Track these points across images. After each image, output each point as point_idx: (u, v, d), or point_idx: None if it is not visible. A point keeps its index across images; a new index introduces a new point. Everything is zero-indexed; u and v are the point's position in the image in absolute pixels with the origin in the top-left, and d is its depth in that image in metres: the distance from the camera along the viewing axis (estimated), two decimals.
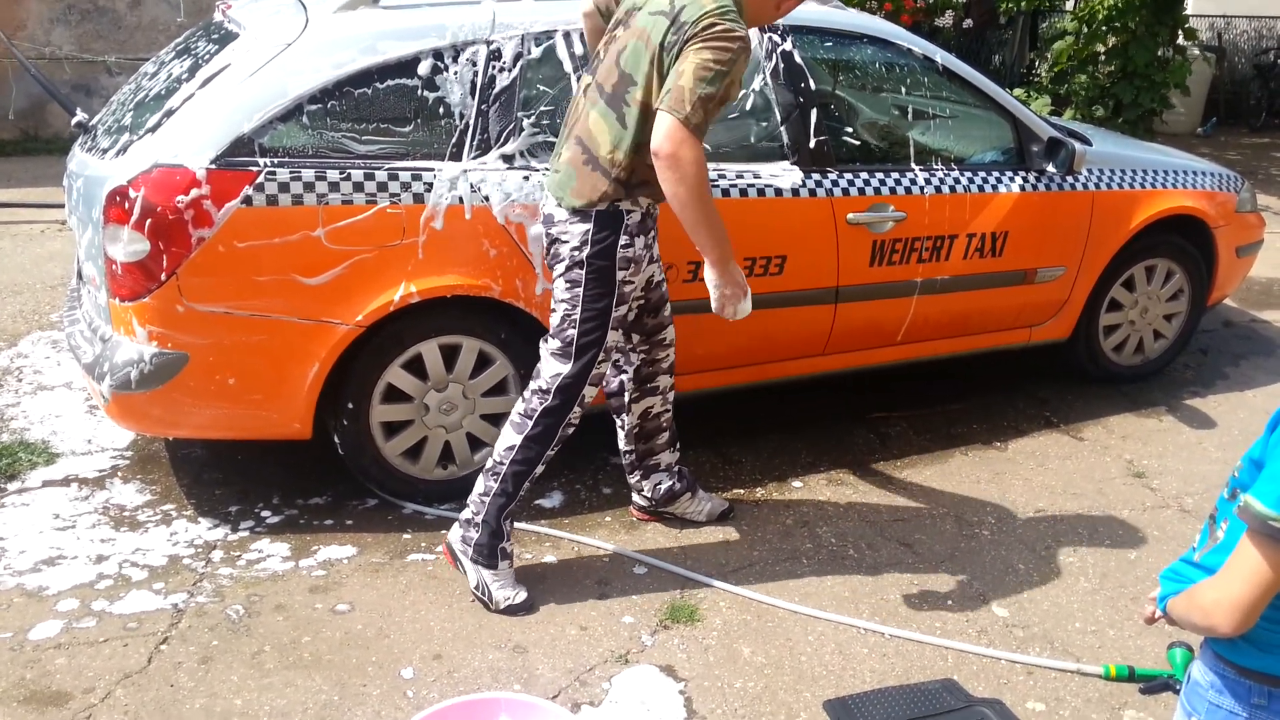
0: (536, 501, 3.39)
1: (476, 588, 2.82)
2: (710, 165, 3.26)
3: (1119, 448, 4.04)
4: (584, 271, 2.69)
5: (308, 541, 3.13)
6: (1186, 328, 4.61)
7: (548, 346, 2.80)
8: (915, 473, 3.75)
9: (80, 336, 3.23)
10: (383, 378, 3.13)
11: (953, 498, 3.59)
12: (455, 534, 2.88)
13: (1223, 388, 4.67)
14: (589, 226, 2.67)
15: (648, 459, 3.21)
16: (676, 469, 3.26)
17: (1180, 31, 9.04)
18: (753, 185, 3.38)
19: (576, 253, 2.69)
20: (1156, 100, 8.85)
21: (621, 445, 3.21)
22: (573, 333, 2.73)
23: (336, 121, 2.96)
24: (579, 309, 2.72)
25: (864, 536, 3.30)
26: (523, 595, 2.83)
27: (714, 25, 2.46)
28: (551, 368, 2.77)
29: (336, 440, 3.20)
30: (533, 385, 2.81)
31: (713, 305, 2.73)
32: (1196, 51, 10.40)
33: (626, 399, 3.12)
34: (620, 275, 2.71)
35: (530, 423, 2.77)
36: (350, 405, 3.11)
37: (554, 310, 2.78)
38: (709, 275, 2.69)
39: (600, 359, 2.78)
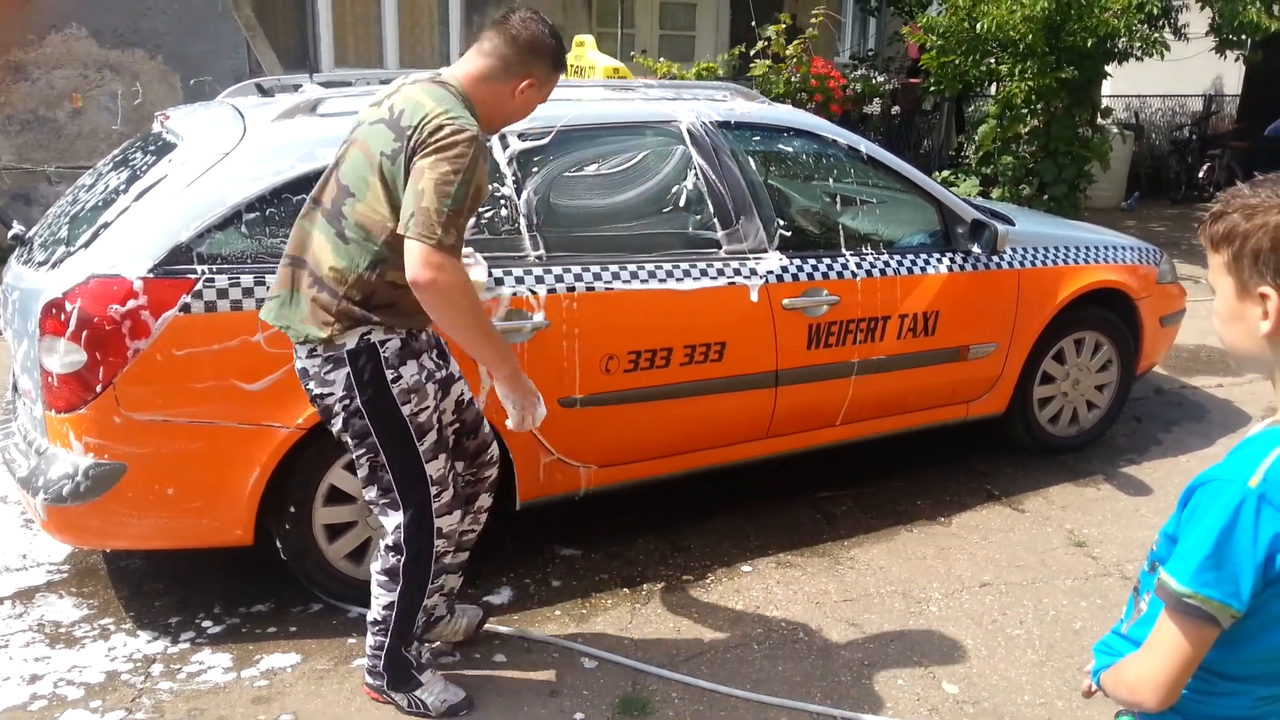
0: (485, 598, 3.36)
1: (410, 706, 2.73)
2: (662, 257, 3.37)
3: (1059, 517, 4.11)
4: (365, 420, 2.49)
5: (250, 651, 3.07)
6: (1118, 397, 4.74)
7: (371, 500, 2.63)
8: (863, 551, 3.78)
9: (15, 450, 3.18)
10: (325, 479, 3.11)
11: (900, 575, 3.62)
12: (367, 676, 2.77)
13: (1157, 454, 4.78)
14: (347, 371, 2.46)
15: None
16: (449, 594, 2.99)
17: (1098, 111, 9.45)
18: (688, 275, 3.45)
19: (347, 404, 2.48)
20: (1080, 176, 9.20)
21: None
22: (389, 478, 2.55)
23: (275, 228, 2.99)
24: (382, 456, 2.52)
25: (813, 619, 3.31)
26: (459, 694, 2.77)
27: (441, 129, 2.29)
28: (390, 521, 2.59)
29: (279, 545, 3.16)
30: (383, 542, 2.64)
31: (510, 422, 2.59)
32: (1115, 129, 10.87)
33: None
34: (406, 410, 2.49)
35: (398, 581, 2.61)
36: (292, 509, 3.08)
37: (358, 465, 2.59)
38: (500, 390, 2.52)
39: (437, 492, 2.58)
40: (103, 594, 3.38)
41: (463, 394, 2.76)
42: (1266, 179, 1.30)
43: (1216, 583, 1.23)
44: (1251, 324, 1.28)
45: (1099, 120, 9.66)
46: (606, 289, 3.32)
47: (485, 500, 2.92)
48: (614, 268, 3.35)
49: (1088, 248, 4.47)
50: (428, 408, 2.54)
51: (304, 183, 3.02)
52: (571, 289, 3.27)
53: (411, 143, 2.32)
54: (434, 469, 2.56)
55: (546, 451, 3.34)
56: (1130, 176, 12.61)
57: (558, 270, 3.27)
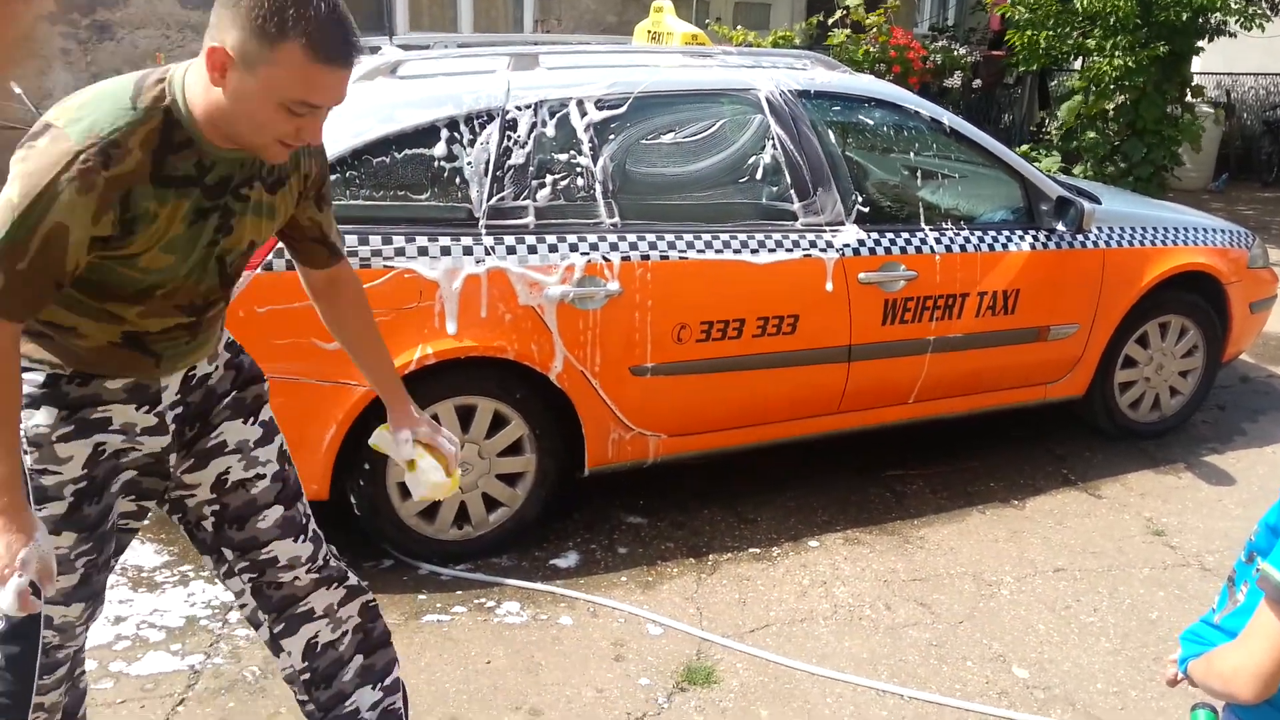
0: (552, 561, 3.39)
1: None
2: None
3: (1138, 505, 4.01)
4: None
5: None
6: (1203, 384, 4.60)
7: None
8: (932, 531, 3.73)
9: None
10: None
11: (970, 557, 3.56)
12: None
13: (1241, 443, 4.63)
14: None
15: (338, 708, 2.16)
16: (391, 708, 2.23)
17: (1188, 89, 9.12)
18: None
19: None
20: (1167, 157, 8.90)
21: (299, 699, 2.21)
22: None
23: (356, 189, 3.03)
24: None
25: (881, 597, 3.28)
26: None
27: (37, 136, 1.58)
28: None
29: (353, 501, 3.22)
30: None
31: None
32: (1206, 109, 10.49)
33: (270, 636, 2.12)
34: (28, 461, 1.77)
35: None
36: (367, 466, 3.13)
37: None
38: None
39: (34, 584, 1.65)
40: (182, 543, 3.47)
41: (226, 472, 1.99)
42: None
43: None
44: None
45: (1189, 99, 9.32)
46: (681, 258, 3.30)
47: (323, 597, 2.11)
48: (688, 237, 3.32)
49: (1176, 229, 4.33)
50: (58, 474, 1.80)
51: (384, 145, 3.06)
52: (646, 257, 3.25)
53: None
54: (44, 549, 1.70)
55: (616, 418, 3.35)
56: (1219, 157, 12.18)
57: (632, 238, 3.25)
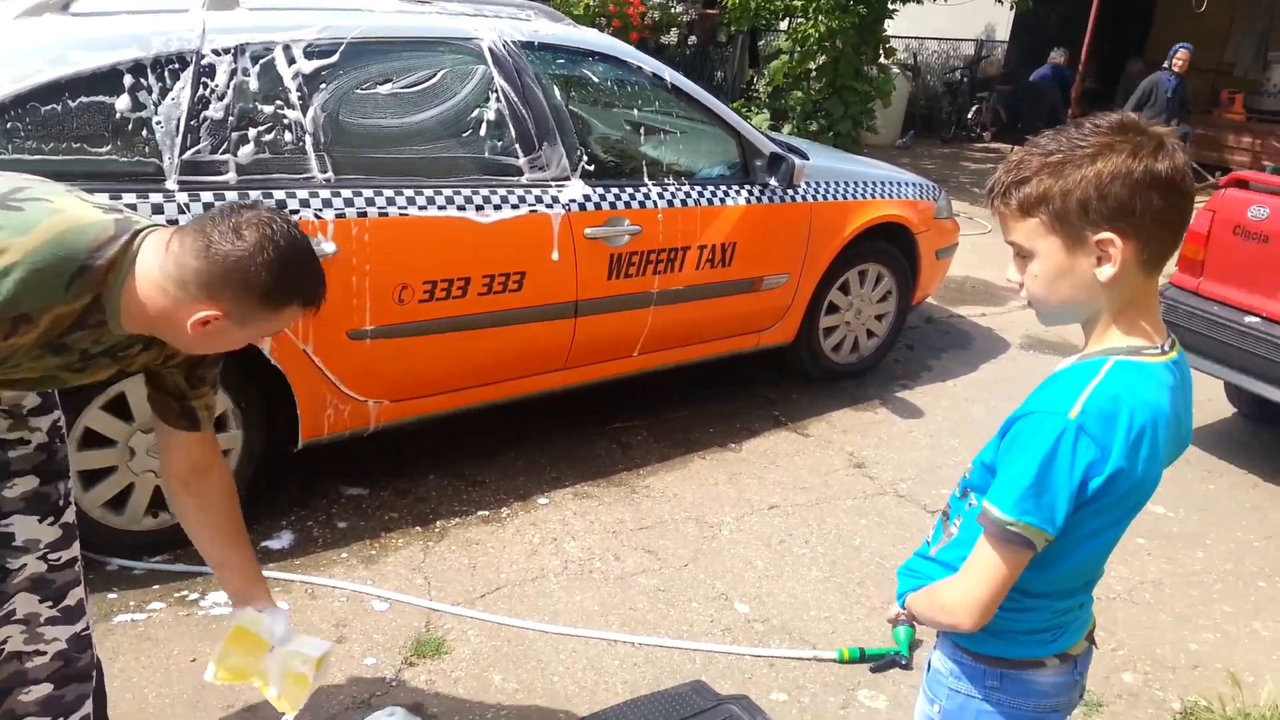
0: (263, 544, 3.17)
1: None
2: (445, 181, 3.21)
3: (841, 441, 4.31)
4: None
5: None
6: (895, 326, 5.00)
7: None
8: (657, 480, 3.84)
9: None
10: (79, 421, 2.83)
11: (693, 501, 3.70)
12: None
13: (927, 379, 5.09)
14: None
15: None
16: None
17: (882, 50, 9.82)
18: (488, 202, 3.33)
19: None
20: (864, 114, 9.56)
21: None
22: None
23: (21, 140, 2.64)
24: None
25: (610, 548, 3.34)
26: None
27: None
28: None
29: None
30: None
31: None
32: (896, 69, 11.34)
33: None
34: None
35: None
36: None
37: None
38: None
39: None
40: None
41: None
42: (1041, 137, 1.33)
43: (1036, 510, 1.29)
44: (1084, 274, 1.31)
45: (883, 60, 10.03)
46: (401, 215, 3.15)
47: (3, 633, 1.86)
48: (409, 193, 3.18)
49: (874, 183, 4.64)
50: None
51: (54, 90, 2.68)
52: (363, 214, 3.08)
53: None
54: None
55: (333, 386, 3.17)
56: (906, 115, 13.25)
57: (347, 194, 3.07)
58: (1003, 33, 15.32)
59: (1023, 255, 1.37)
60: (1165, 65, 9.11)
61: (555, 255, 3.49)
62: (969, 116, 14.18)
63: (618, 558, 3.29)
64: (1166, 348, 1.35)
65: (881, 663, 2.89)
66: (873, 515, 3.72)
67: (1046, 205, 1.30)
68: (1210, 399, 5.00)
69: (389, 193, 3.14)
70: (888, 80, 9.69)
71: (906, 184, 4.86)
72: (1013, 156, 1.36)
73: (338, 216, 3.03)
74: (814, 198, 4.31)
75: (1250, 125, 12.13)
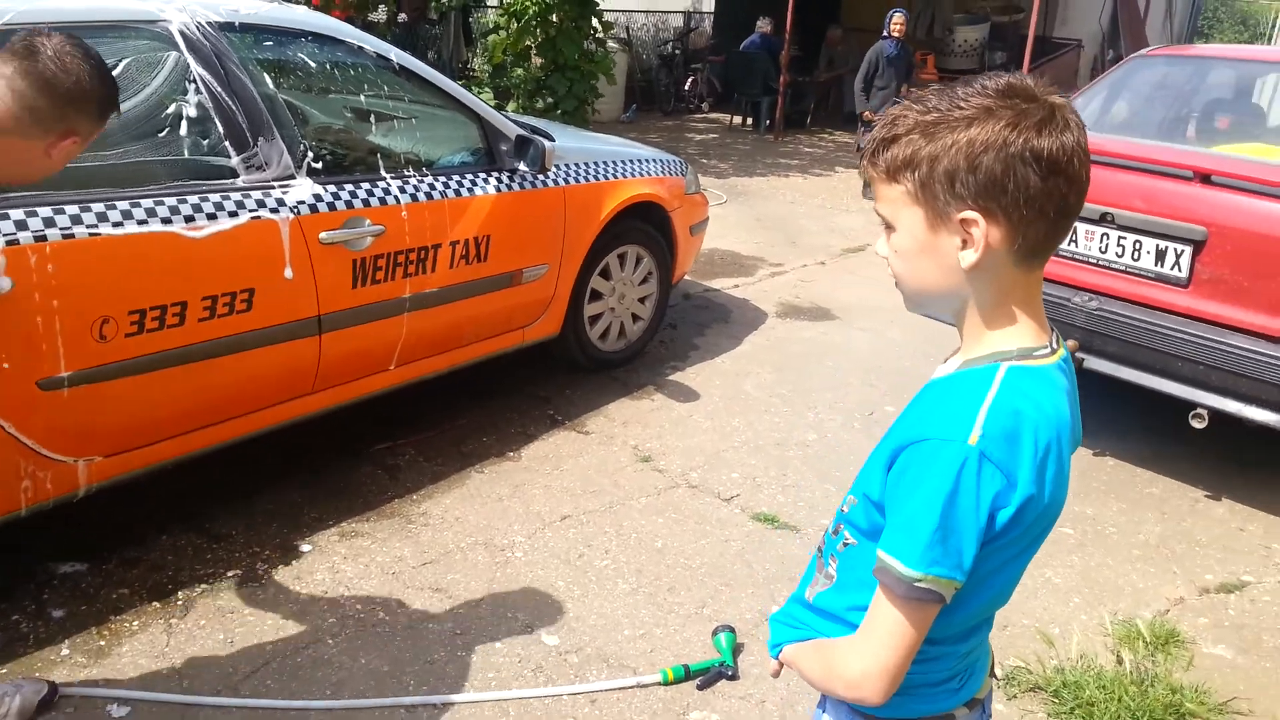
0: None
1: None
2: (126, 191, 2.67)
3: (623, 435, 4.10)
4: None
5: None
6: (659, 307, 4.85)
7: None
8: (434, 504, 3.46)
9: None
10: None
11: (478, 523, 3.36)
12: None
13: (696, 358, 4.98)
14: None
15: None
16: None
17: (599, 25, 9.69)
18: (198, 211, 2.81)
19: None
20: (588, 91, 9.41)
21: None
22: None
23: None
24: None
25: (392, 593, 2.94)
26: None
27: None
28: None
29: None
30: None
31: None
32: (614, 44, 11.29)
33: None
34: None
35: None
36: None
37: None
38: None
39: None
40: None
41: None
42: (928, 92, 1.12)
43: (943, 557, 1.07)
44: (948, 257, 1.11)
45: (600, 35, 9.92)
46: (91, 235, 2.58)
47: None
48: (99, 208, 2.61)
49: (623, 162, 4.44)
50: None
51: None
52: (42, 238, 2.49)
53: None
54: None
55: (26, 450, 2.57)
56: (626, 90, 13.28)
57: (18, 215, 2.46)
58: (709, 3, 15.69)
59: (888, 226, 1.16)
60: (884, 33, 9.31)
61: (288, 267, 3.02)
62: (686, 88, 14.42)
63: (402, 603, 2.90)
64: (1055, 345, 1.17)
65: (708, 677, 2.69)
66: (669, 512, 3.53)
67: (912, 171, 1.10)
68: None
69: (73, 210, 2.56)
70: (607, 56, 9.60)
71: (654, 161, 4.69)
72: (893, 110, 1.13)
73: (9, 243, 2.43)
74: (566, 181, 4.05)
75: (943, 85, 13.04)
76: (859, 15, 14.54)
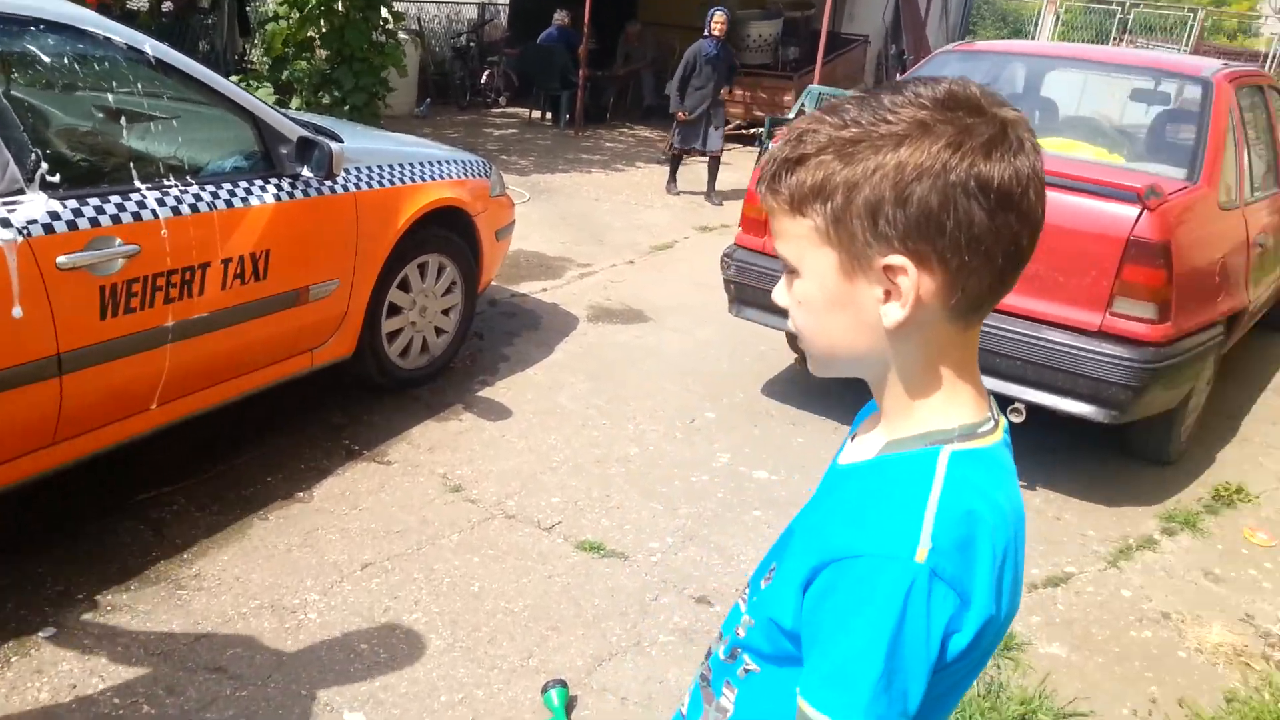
0: None
1: None
2: None
3: (429, 462, 3.74)
4: None
5: None
6: (465, 319, 4.52)
7: None
8: (209, 562, 3.00)
9: None
10: None
11: (263, 582, 2.93)
12: None
13: (506, 371, 4.67)
14: None
15: None
16: None
17: (390, 15, 9.15)
18: None
19: None
20: (378, 84, 8.87)
21: None
22: None
23: None
24: None
25: (161, 679, 2.49)
26: None
27: None
28: None
29: None
30: None
31: None
32: (405, 36, 10.73)
33: None
34: None
35: None
36: None
37: None
38: None
39: None
40: None
41: None
42: (846, 100, 0.87)
43: (889, 707, 0.82)
44: (866, 312, 0.86)
45: (390, 25, 9.38)
46: None
47: None
48: None
49: (422, 163, 4.07)
50: None
51: None
52: None
53: None
54: None
55: None
56: (419, 83, 12.71)
57: None
58: None
59: (790, 271, 0.91)
60: (705, 32, 9.05)
61: (15, 300, 2.51)
62: (482, 82, 13.98)
63: (173, 691, 2.46)
64: (996, 416, 0.95)
65: None
66: (484, 549, 3.21)
67: (824, 202, 0.85)
68: (774, 348, 5.13)
69: None
70: (397, 47, 9.08)
71: (455, 162, 4.34)
72: (800, 121, 0.87)
73: None
74: (358, 186, 3.64)
75: (738, 79, 13.15)
76: (656, 10, 14.50)
